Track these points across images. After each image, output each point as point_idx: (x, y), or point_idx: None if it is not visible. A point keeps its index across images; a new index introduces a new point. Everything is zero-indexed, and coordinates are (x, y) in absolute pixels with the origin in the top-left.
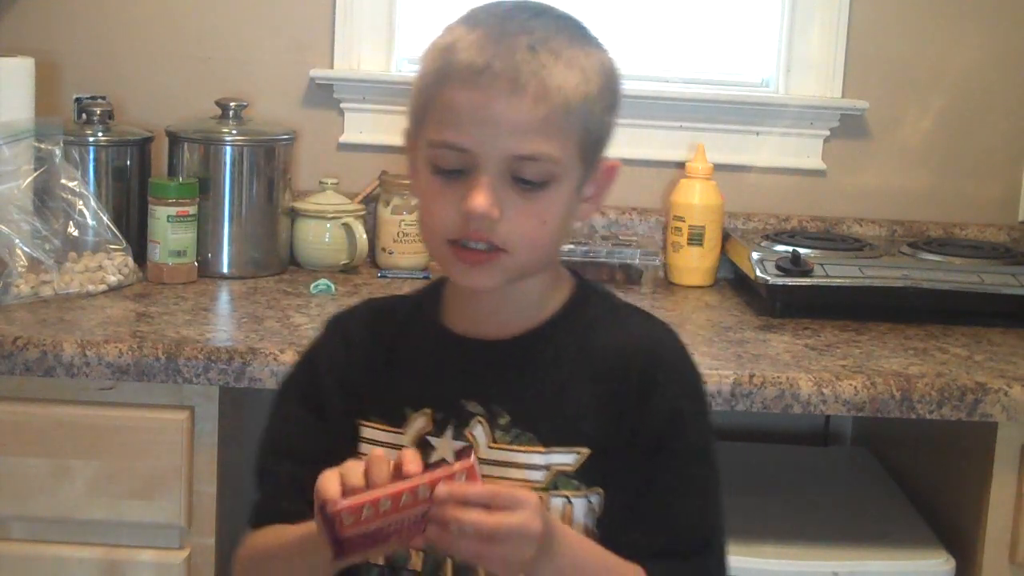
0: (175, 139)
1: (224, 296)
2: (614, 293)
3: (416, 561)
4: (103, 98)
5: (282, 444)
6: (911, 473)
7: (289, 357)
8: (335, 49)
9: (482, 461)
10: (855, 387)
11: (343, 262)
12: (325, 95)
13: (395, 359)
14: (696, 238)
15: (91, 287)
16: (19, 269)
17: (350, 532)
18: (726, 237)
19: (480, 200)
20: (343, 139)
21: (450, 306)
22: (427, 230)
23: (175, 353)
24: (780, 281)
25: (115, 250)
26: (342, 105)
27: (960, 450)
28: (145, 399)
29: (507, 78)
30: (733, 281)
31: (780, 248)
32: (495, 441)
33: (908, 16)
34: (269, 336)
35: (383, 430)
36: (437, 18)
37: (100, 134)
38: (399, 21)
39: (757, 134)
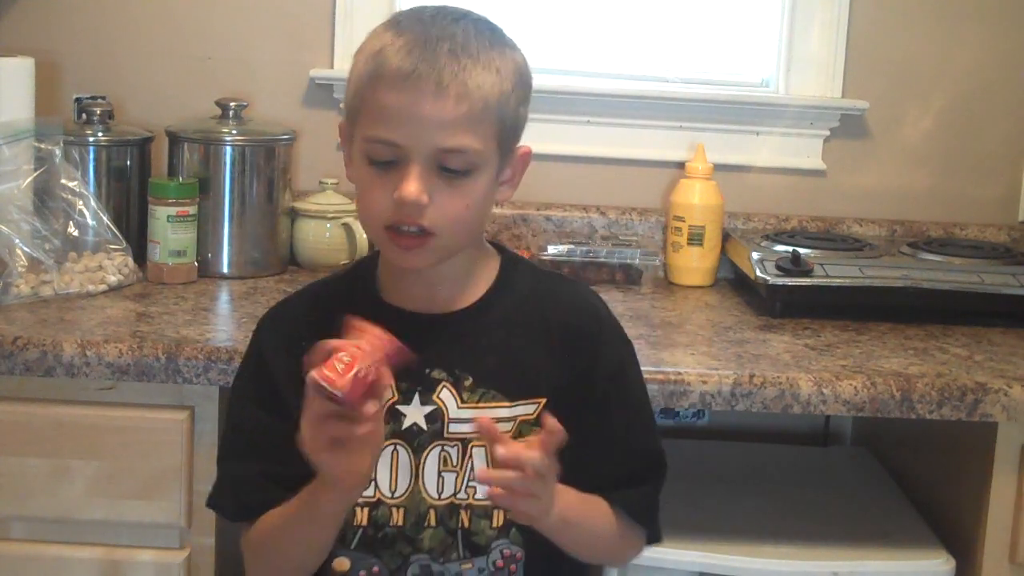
0: (175, 139)
1: (224, 296)
2: (531, 261)
3: (398, 517)
4: (103, 98)
5: (247, 446)
6: (911, 473)
7: None
8: (335, 49)
9: (453, 420)
10: (855, 387)
11: (343, 262)
12: (325, 95)
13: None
14: (696, 238)
15: (91, 287)
16: (19, 269)
17: (344, 385)
18: (726, 237)
19: (411, 188)
20: None
21: (387, 284)
22: (365, 216)
23: (175, 353)
24: (780, 281)
25: (115, 250)
26: (342, 105)
27: (960, 450)
28: (145, 399)
29: (432, 81)
30: (733, 281)
31: (780, 248)
32: (463, 401)
33: (908, 16)
34: None
35: None
36: None
37: (100, 134)
38: None
39: (757, 134)
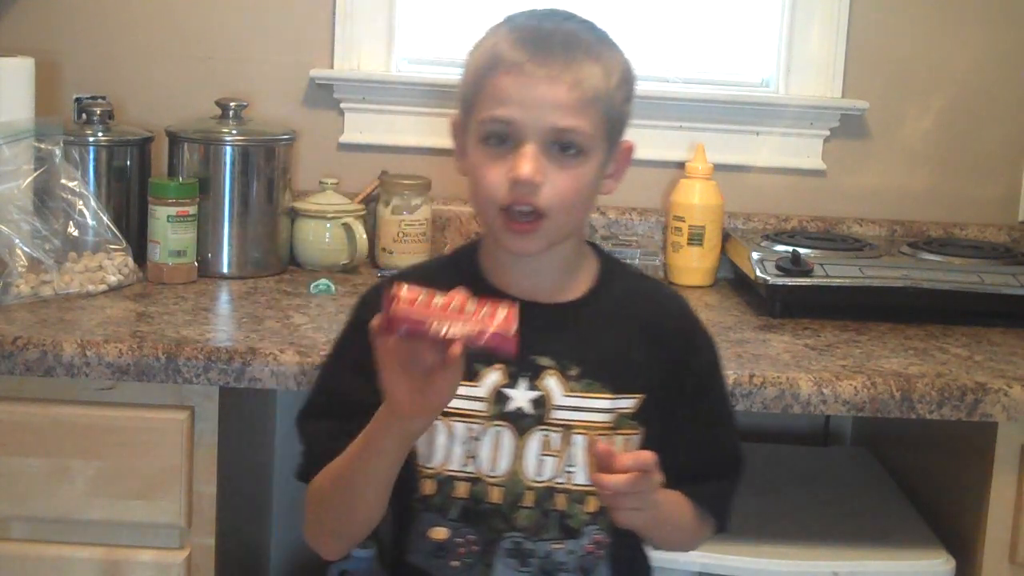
0: (175, 139)
1: (224, 296)
2: (627, 263)
3: (496, 496)
4: (103, 98)
5: (330, 407)
6: (911, 473)
7: (289, 357)
8: (335, 49)
9: (557, 407)
10: (855, 387)
11: (343, 262)
12: (325, 95)
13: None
14: (696, 238)
15: (91, 287)
16: (19, 269)
17: (401, 310)
18: (726, 237)
19: (526, 167)
20: (343, 139)
21: (490, 269)
22: (479, 199)
23: (175, 353)
24: (780, 281)
25: (115, 250)
26: (342, 105)
27: (960, 450)
28: (145, 399)
29: (546, 68)
30: (733, 281)
31: (780, 248)
32: (568, 390)
33: (908, 16)
34: (269, 336)
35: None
36: (437, 18)
37: (100, 134)
38: (399, 21)
39: (757, 134)
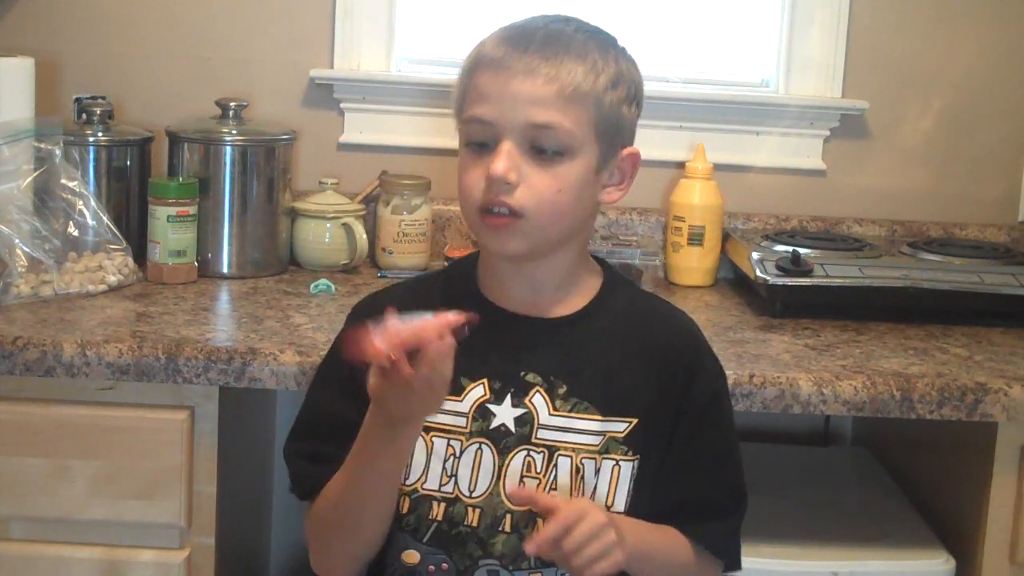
0: (175, 139)
1: (224, 296)
2: (633, 282)
3: (473, 517)
4: (103, 98)
5: (312, 424)
6: (911, 473)
7: (289, 357)
8: (335, 49)
9: (543, 426)
10: (855, 387)
11: (343, 262)
12: (325, 95)
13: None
14: (696, 238)
15: (91, 287)
16: (19, 269)
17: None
18: (726, 237)
19: (498, 166)
20: (343, 139)
21: (487, 282)
22: (462, 200)
23: (175, 353)
24: (780, 281)
25: (115, 250)
26: (342, 105)
27: (960, 450)
28: (145, 399)
29: (524, 62)
30: (733, 281)
31: (780, 248)
32: (555, 409)
33: (908, 16)
34: (269, 336)
35: None
36: (437, 18)
37: (100, 134)
38: (399, 21)
39: (757, 134)
